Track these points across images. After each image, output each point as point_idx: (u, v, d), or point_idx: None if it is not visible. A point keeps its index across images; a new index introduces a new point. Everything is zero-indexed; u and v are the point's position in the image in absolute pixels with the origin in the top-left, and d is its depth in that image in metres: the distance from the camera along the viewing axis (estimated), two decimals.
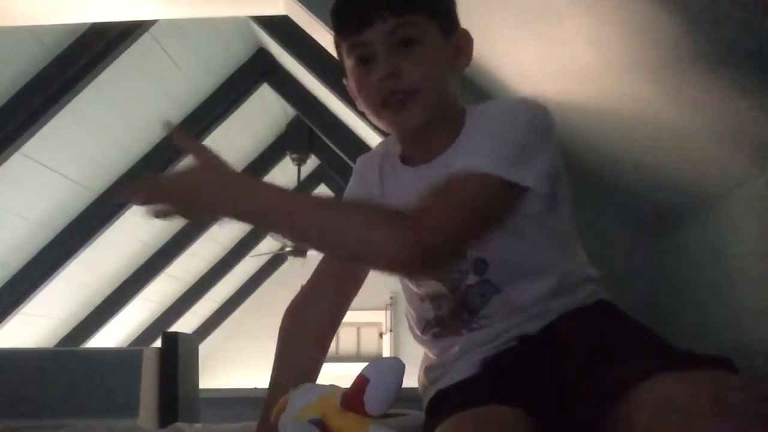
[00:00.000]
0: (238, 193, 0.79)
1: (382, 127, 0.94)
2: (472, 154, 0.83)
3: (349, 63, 0.92)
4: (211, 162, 0.80)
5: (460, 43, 0.93)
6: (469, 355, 0.93)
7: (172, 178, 0.80)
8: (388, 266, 0.81)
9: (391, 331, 6.49)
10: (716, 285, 1.27)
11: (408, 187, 0.92)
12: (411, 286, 1.01)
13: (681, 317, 1.42)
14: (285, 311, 1.05)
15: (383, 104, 0.89)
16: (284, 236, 0.89)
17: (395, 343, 6.59)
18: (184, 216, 0.81)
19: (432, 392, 0.96)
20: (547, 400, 0.77)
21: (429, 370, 1.00)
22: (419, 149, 0.97)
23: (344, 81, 0.99)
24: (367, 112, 0.93)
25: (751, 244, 1.14)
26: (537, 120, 0.88)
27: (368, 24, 0.87)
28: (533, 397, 0.77)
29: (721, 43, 0.87)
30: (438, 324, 0.97)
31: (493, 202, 0.82)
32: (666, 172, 1.31)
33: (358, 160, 1.09)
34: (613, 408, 0.66)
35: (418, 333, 1.02)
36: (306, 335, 1.01)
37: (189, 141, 0.84)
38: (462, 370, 0.92)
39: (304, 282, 1.08)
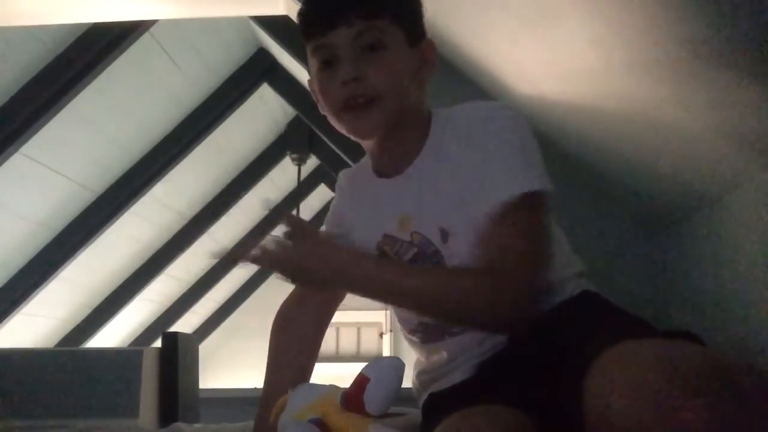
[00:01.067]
0: (346, 268, 0.81)
1: (342, 131, 0.94)
2: (492, 175, 0.84)
3: (312, 64, 0.92)
4: (316, 237, 0.84)
5: (425, 51, 0.93)
6: (457, 360, 0.93)
7: (285, 248, 0.82)
8: (501, 328, 0.83)
9: (391, 331, 6.49)
10: (716, 284, 1.27)
11: (387, 197, 0.96)
12: None
13: (680, 317, 1.42)
14: (277, 313, 1.08)
15: (344, 108, 0.89)
16: (392, 305, 0.91)
17: (395, 343, 6.58)
18: (295, 282, 0.85)
19: (425, 396, 0.96)
20: (540, 395, 0.77)
21: (421, 375, 1.00)
22: (387, 158, 0.97)
23: (309, 80, 0.99)
24: (328, 115, 0.93)
25: (751, 244, 1.14)
26: (524, 123, 0.89)
27: (333, 27, 0.87)
28: (526, 393, 0.77)
29: (721, 42, 0.87)
30: (421, 328, 0.97)
31: (542, 217, 0.85)
32: (666, 172, 1.31)
33: (340, 174, 1.12)
34: (581, 387, 0.66)
35: (406, 334, 1.02)
36: (298, 335, 1.04)
37: (289, 216, 0.87)
38: (454, 376, 0.93)
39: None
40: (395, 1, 0.91)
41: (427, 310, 0.84)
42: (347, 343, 6.77)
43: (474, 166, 0.86)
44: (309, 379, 0.99)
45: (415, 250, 0.92)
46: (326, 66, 0.90)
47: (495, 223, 0.82)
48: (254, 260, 0.81)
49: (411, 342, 1.02)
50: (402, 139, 0.93)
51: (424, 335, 0.97)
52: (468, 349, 0.92)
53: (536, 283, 0.81)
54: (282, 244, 0.82)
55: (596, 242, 1.60)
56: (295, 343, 1.03)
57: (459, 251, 0.89)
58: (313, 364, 1.04)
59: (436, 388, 0.95)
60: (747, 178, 1.13)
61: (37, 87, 2.71)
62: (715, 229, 1.28)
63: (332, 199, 1.13)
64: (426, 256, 0.91)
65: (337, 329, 6.72)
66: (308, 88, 1.00)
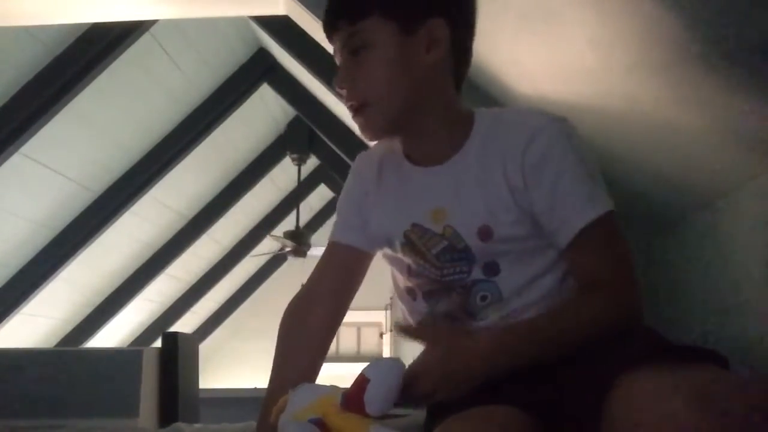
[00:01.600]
0: (488, 360, 0.80)
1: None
2: (568, 201, 0.86)
3: None
4: (448, 338, 0.84)
5: (431, 34, 0.89)
6: None
7: (428, 367, 0.80)
8: (625, 327, 0.84)
9: (391, 331, 6.50)
10: (717, 284, 1.27)
11: (420, 186, 0.94)
12: (402, 280, 1.00)
13: (681, 317, 1.42)
14: (285, 311, 1.04)
15: (351, 112, 0.92)
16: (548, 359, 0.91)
17: (395, 343, 6.59)
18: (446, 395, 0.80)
19: None
20: (543, 398, 0.77)
21: None
22: (422, 150, 0.95)
23: None
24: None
25: (751, 244, 1.14)
26: (579, 137, 0.90)
27: (331, 34, 0.91)
28: (529, 395, 0.77)
29: (722, 42, 0.87)
30: (431, 322, 0.96)
31: (619, 231, 0.89)
32: (666, 172, 1.31)
33: (357, 157, 1.08)
34: (598, 400, 0.66)
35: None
36: (307, 335, 1.00)
37: (413, 331, 0.88)
38: None
39: (305, 281, 1.08)
40: None
41: (569, 348, 0.82)
42: (347, 343, 6.78)
43: (547, 188, 0.86)
44: (314, 380, 0.98)
45: (445, 243, 0.90)
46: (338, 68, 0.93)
47: (583, 242, 0.85)
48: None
49: None
50: (436, 130, 0.92)
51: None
52: None
53: (638, 288, 0.86)
54: (423, 366, 0.80)
55: None
56: (302, 343, 1.00)
57: (494, 251, 0.89)
58: (320, 365, 1.00)
59: None
60: (747, 178, 1.13)
61: (37, 87, 2.71)
62: (715, 229, 1.28)
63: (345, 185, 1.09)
64: (456, 251, 0.90)
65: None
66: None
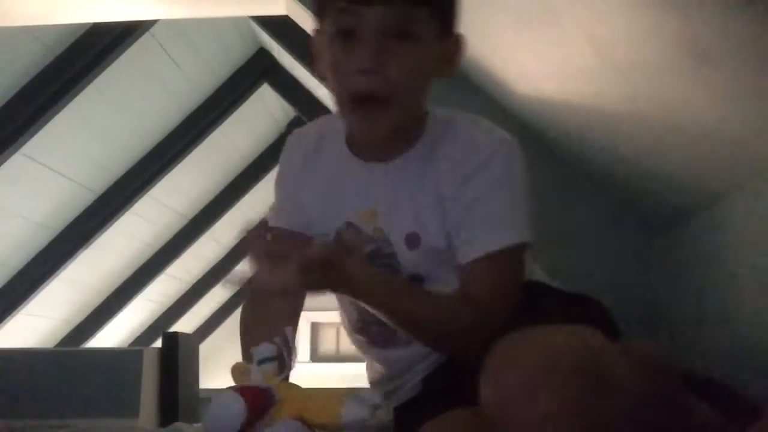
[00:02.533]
0: (356, 282, 0.79)
1: (343, 119, 0.87)
2: (485, 221, 0.84)
3: (329, 27, 0.81)
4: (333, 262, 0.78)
5: (451, 49, 0.85)
6: (403, 374, 0.92)
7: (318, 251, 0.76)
8: (460, 352, 0.84)
9: None
10: (716, 284, 1.27)
11: (358, 182, 0.90)
12: None
13: (680, 317, 1.42)
14: (241, 313, 1.01)
15: (354, 99, 0.79)
16: (388, 320, 0.89)
17: None
18: (303, 285, 0.78)
19: (390, 407, 0.95)
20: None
21: (378, 384, 0.98)
22: (372, 144, 0.90)
23: (313, 31, 0.89)
24: (333, 97, 0.84)
25: (751, 244, 1.14)
26: (521, 165, 0.86)
27: (370, 3, 0.76)
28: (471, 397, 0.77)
29: (721, 42, 0.87)
30: (366, 329, 0.94)
31: (522, 264, 0.87)
32: (666, 173, 1.31)
33: (292, 134, 1.01)
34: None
35: (353, 334, 0.99)
36: (272, 318, 0.96)
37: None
38: (402, 393, 0.93)
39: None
40: None
41: (409, 324, 0.83)
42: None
43: (467, 203, 0.84)
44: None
45: (373, 246, 0.88)
46: (344, 37, 0.78)
47: (482, 265, 0.83)
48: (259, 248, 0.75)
49: (357, 342, 0.99)
50: (397, 134, 0.87)
51: (369, 337, 0.95)
52: (413, 363, 0.91)
53: (499, 321, 0.81)
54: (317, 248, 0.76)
55: (596, 242, 1.60)
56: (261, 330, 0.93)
57: (418, 261, 0.87)
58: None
59: (396, 401, 0.94)
60: (747, 178, 1.13)
61: (37, 87, 2.71)
62: (715, 230, 1.28)
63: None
64: (381, 255, 0.88)
65: (337, 329, 6.70)
66: (312, 51, 0.91)
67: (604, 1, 0.97)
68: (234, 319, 6.70)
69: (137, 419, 1.87)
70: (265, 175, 4.99)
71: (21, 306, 3.60)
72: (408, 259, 0.87)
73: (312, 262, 0.71)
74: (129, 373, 1.93)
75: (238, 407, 0.68)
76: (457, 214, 0.85)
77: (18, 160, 2.90)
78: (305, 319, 6.63)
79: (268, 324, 0.91)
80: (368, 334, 0.94)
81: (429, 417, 0.79)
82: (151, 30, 2.96)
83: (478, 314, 0.81)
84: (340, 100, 0.82)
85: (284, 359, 0.75)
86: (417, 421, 0.81)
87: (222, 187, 4.77)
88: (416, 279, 0.88)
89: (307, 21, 1.78)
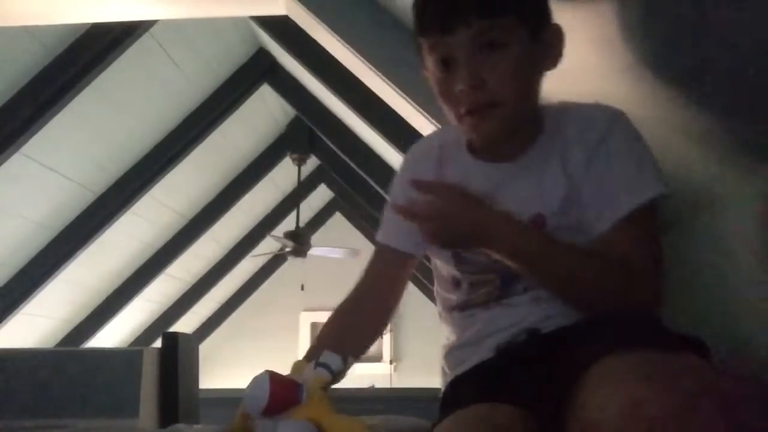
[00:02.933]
0: (492, 229, 0.85)
1: (464, 132, 0.93)
2: (624, 182, 0.88)
3: (429, 62, 0.89)
4: (464, 196, 0.87)
5: (550, 40, 0.89)
6: (491, 337, 0.91)
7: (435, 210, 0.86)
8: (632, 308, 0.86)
9: (391, 331, 6.50)
10: (715, 285, 1.27)
11: (481, 181, 0.93)
12: (447, 270, 0.99)
13: (680, 317, 1.42)
14: (333, 312, 1.02)
15: (466, 113, 0.86)
16: (534, 278, 0.91)
17: (395, 343, 6.59)
18: (440, 239, 0.86)
19: (451, 377, 0.95)
20: (546, 397, 0.77)
21: (450, 354, 0.98)
22: (494, 147, 0.94)
23: (424, 72, 0.95)
24: (449, 116, 0.91)
25: (750, 245, 1.14)
26: (636, 127, 0.92)
27: (451, 31, 0.83)
28: (534, 394, 0.77)
29: (721, 45, 0.87)
30: (468, 304, 0.96)
31: (658, 220, 0.92)
32: (665, 173, 1.31)
33: (413, 147, 1.07)
34: (567, 386, 0.66)
35: (446, 315, 1.00)
36: (354, 336, 1.00)
37: (427, 185, 0.89)
38: (479, 353, 0.92)
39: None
40: None
41: (561, 281, 0.86)
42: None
43: (596, 177, 0.89)
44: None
45: None
46: (444, 65, 0.86)
47: (618, 231, 0.87)
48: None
49: (446, 319, 1.01)
50: (517, 132, 0.92)
51: (468, 304, 0.96)
52: (501, 327, 0.91)
53: (660, 281, 0.88)
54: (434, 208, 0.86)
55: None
56: (346, 343, 0.98)
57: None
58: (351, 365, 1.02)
59: (460, 370, 0.94)
60: (747, 179, 1.13)
61: (37, 87, 2.71)
62: (715, 230, 1.28)
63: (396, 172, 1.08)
64: None
65: None
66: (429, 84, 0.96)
67: (605, 2, 0.97)
68: (234, 319, 6.71)
69: (137, 419, 1.87)
70: (265, 174, 4.99)
71: (21, 306, 3.61)
72: None
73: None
74: (129, 373, 1.93)
75: (260, 392, 0.72)
76: (588, 190, 0.89)
77: (18, 160, 2.91)
78: (305, 319, 6.66)
79: (347, 334, 0.99)
80: (472, 291, 0.96)
81: (478, 400, 0.79)
82: (151, 30, 2.96)
83: (634, 268, 0.85)
84: (458, 118, 0.89)
85: (339, 376, 0.79)
86: (465, 402, 0.80)
87: (222, 187, 4.78)
88: None
89: (307, 21, 1.78)
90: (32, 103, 2.71)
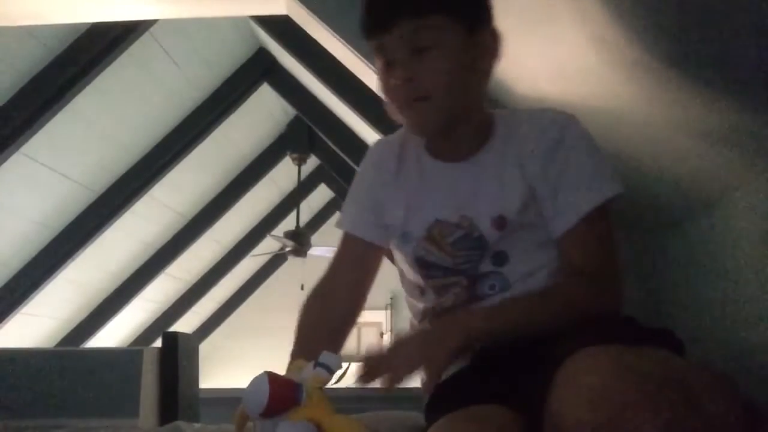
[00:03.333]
0: (477, 330, 0.83)
1: (403, 123, 0.96)
2: (579, 184, 0.90)
3: (377, 62, 0.94)
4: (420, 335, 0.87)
5: (486, 41, 0.92)
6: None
7: (408, 337, 0.85)
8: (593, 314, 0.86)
9: (391, 330, 6.50)
10: (715, 285, 1.27)
11: (438, 180, 0.97)
12: (412, 275, 1.01)
13: (680, 317, 1.42)
14: (302, 307, 1.03)
15: (405, 106, 0.91)
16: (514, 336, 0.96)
17: None
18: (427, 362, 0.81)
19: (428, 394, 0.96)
20: (527, 396, 0.77)
21: None
22: (447, 146, 0.98)
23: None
24: (393, 113, 0.95)
25: (749, 245, 1.14)
26: (588, 131, 0.94)
27: (386, 30, 0.88)
28: (521, 393, 0.78)
29: (721, 43, 0.87)
30: (437, 310, 0.98)
31: (610, 220, 0.92)
32: (666, 173, 1.31)
33: (375, 144, 1.10)
34: (545, 382, 0.67)
35: (417, 323, 1.02)
36: (325, 330, 1.01)
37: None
38: (455, 362, 0.92)
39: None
40: None
41: (543, 326, 0.85)
42: (347, 343, 6.76)
43: (553, 177, 0.91)
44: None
45: (462, 232, 0.94)
46: (387, 66, 0.91)
47: (579, 230, 0.89)
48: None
49: (420, 324, 1.02)
50: (465, 131, 0.95)
51: (435, 309, 0.98)
52: None
53: (621, 281, 0.90)
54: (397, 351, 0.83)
55: None
56: (320, 338, 1.00)
57: (505, 240, 0.92)
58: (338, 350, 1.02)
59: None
60: (746, 179, 1.13)
61: (37, 87, 2.71)
62: (715, 230, 1.28)
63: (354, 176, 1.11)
64: (471, 239, 0.93)
65: None
66: (376, 88, 1.00)
67: (604, 1, 0.97)
68: (234, 319, 6.71)
69: (137, 419, 1.87)
70: (265, 174, 4.99)
71: (21, 306, 3.60)
72: (495, 239, 0.92)
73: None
74: (129, 373, 1.93)
75: (259, 393, 0.71)
76: (546, 189, 0.91)
77: (18, 160, 2.91)
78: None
79: (326, 326, 1.01)
80: (439, 296, 0.98)
81: (463, 404, 0.80)
82: (151, 30, 2.96)
83: (591, 279, 0.87)
84: (399, 112, 0.93)
85: (339, 375, 0.79)
86: (451, 406, 0.81)
87: (222, 186, 4.78)
88: (501, 256, 0.93)
89: (306, 21, 1.78)
90: (32, 103, 2.71)
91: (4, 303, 3.52)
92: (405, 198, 0.99)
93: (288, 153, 4.88)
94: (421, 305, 1.01)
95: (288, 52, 2.92)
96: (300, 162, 4.91)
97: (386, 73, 0.91)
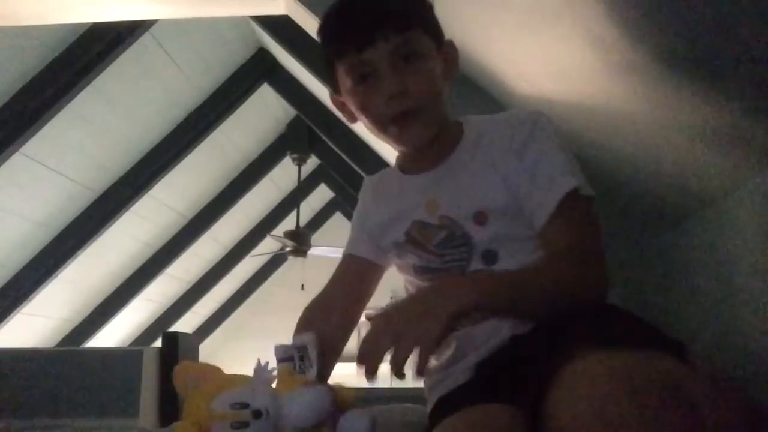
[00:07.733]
0: (455, 292, 0.78)
1: (388, 143, 0.97)
2: (551, 171, 0.90)
3: (347, 81, 0.92)
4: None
5: (449, 53, 0.97)
6: (467, 358, 0.93)
7: (399, 304, 0.83)
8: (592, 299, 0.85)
9: None
10: (715, 285, 1.27)
11: (413, 189, 0.99)
12: (414, 284, 1.02)
13: (680, 317, 1.42)
14: (300, 317, 1.05)
15: (392, 122, 0.91)
16: (510, 312, 0.94)
17: None
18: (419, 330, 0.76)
19: (434, 399, 0.96)
20: (529, 397, 0.77)
21: (428, 378, 0.99)
22: (421, 157, 1.00)
23: (331, 96, 1.01)
24: (373, 129, 0.94)
25: (750, 244, 1.14)
26: (558, 130, 0.96)
27: (370, 44, 0.87)
28: (525, 394, 0.77)
29: (721, 44, 0.87)
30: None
31: (595, 214, 0.93)
32: (666, 172, 1.31)
33: (368, 178, 1.14)
34: (540, 389, 0.67)
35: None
36: (321, 338, 1.02)
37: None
38: (459, 376, 0.93)
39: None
40: (422, 9, 0.94)
41: (528, 307, 0.83)
42: (348, 344, 6.77)
43: (528, 169, 0.91)
44: (326, 380, 0.97)
45: (445, 233, 0.94)
46: (363, 81, 0.90)
47: (558, 219, 0.88)
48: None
49: None
50: (439, 139, 0.97)
51: None
52: (476, 344, 0.92)
53: (605, 265, 0.87)
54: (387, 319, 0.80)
55: None
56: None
57: (490, 237, 0.92)
58: (332, 367, 1.03)
59: (443, 389, 0.95)
60: (747, 178, 1.13)
61: (37, 87, 2.71)
62: (715, 229, 1.28)
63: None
64: (455, 237, 0.94)
65: None
66: (331, 103, 1.02)
67: (604, 1, 0.97)
68: (234, 319, 6.71)
69: (137, 419, 1.87)
70: (265, 174, 4.99)
71: (21, 306, 3.61)
72: (480, 236, 0.92)
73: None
74: (129, 373, 1.93)
75: (322, 409, 0.76)
76: (522, 182, 0.91)
77: (18, 160, 2.91)
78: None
79: (322, 335, 0.99)
80: None
81: (468, 404, 0.80)
82: (151, 30, 2.96)
83: (576, 259, 0.86)
84: (382, 128, 0.93)
85: (305, 361, 0.83)
86: (456, 407, 0.81)
87: (222, 187, 4.78)
88: (491, 255, 0.93)
89: (307, 21, 1.78)
90: (32, 103, 2.71)
91: (4, 303, 3.52)
92: (385, 215, 1.03)
93: (288, 153, 4.88)
94: None
95: (288, 52, 2.92)
96: (300, 162, 4.91)
97: (364, 88, 0.90)
